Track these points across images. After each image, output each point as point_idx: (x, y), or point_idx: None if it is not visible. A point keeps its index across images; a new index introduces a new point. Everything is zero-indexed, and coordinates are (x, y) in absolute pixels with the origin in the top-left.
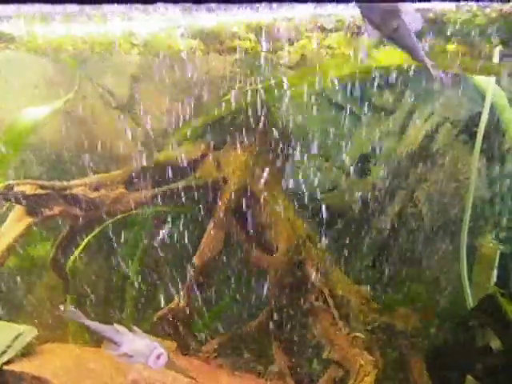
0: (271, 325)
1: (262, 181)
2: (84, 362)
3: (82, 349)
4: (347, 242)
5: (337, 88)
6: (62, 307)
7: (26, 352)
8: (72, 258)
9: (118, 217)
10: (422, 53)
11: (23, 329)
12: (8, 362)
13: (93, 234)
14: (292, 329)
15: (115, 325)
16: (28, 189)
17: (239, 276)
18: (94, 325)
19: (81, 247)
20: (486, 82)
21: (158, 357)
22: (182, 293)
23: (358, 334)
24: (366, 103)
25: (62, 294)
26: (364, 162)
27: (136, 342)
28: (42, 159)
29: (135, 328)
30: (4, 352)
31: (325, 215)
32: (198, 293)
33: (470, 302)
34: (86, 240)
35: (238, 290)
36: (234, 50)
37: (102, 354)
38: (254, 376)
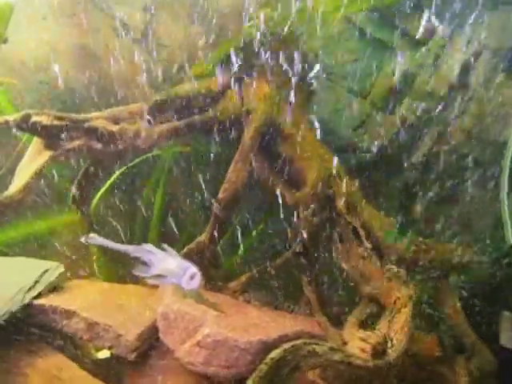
0: (300, 260)
1: (288, 113)
2: (112, 297)
3: (110, 285)
4: (376, 179)
5: (365, 14)
6: (83, 238)
7: (54, 287)
8: (97, 196)
9: (141, 158)
10: None
11: (50, 265)
12: (37, 297)
13: (118, 173)
14: (322, 264)
15: (144, 244)
16: (45, 119)
17: (266, 211)
18: (120, 247)
19: (105, 187)
20: None
21: (192, 277)
22: (207, 229)
23: (392, 266)
24: (397, 31)
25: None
26: (395, 96)
27: (168, 262)
28: (55, 96)
29: (166, 246)
30: (32, 287)
31: (353, 151)
32: (223, 228)
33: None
34: (110, 180)
35: (266, 225)
36: None
37: (129, 289)
38: (283, 311)
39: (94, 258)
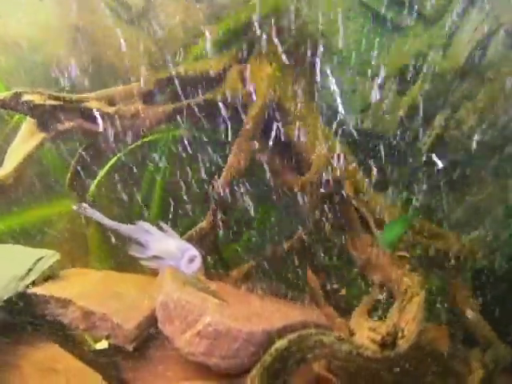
0: (304, 247)
1: (291, 95)
2: (110, 285)
3: (108, 273)
4: (383, 165)
5: None
6: (75, 206)
7: (49, 276)
8: (95, 182)
9: (140, 142)
10: None
11: (45, 253)
12: (31, 285)
13: (114, 158)
14: (327, 252)
15: (141, 222)
16: (37, 98)
17: (269, 198)
18: (114, 224)
19: (103, 172)
20: None
21: (192, 260)
22: (208, 215)
23: (403, 253)
24: (407, 9)
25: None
26: (403, 78)
27: (166, 242)
28: (49, 78)
29: (165, 226)
30: (26, 275)
31: (358, 136)
32: (224, 215)
33: None
34: (108, 165)
35: (269, 212)
36: None
37: (128, 278)
38: (287, 301)
39: (91, 245)
